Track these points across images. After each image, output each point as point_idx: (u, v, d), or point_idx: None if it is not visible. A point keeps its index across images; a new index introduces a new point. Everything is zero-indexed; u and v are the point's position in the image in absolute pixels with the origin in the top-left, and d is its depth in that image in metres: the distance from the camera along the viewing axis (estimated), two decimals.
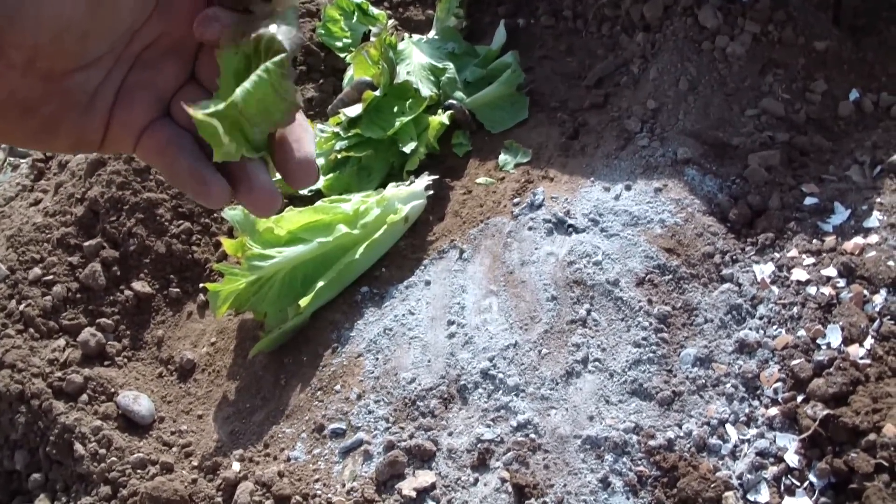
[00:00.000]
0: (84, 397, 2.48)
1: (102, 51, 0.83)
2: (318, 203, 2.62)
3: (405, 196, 2.67)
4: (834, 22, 2.82)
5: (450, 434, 2.16)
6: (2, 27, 0.74)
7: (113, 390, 2.53)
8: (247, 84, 0.85)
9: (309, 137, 0.92)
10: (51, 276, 2.69)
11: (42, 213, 2.86)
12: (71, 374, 2.50)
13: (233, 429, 2.46)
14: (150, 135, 0.88)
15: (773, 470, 1.96)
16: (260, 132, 0.88)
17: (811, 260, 2.25)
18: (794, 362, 2.06)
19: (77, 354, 2.58)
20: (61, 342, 2.60)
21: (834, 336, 2.05)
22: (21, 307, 2.62)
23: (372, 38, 3.03)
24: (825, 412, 1.92)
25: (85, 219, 2.79)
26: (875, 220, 2.26)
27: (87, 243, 2.75)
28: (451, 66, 3.07)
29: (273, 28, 0.85)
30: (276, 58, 0.85)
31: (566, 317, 2.28)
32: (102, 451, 2.36)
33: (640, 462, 2.02)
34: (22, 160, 3.55)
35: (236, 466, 2.30)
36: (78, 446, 2.37)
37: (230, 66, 0.87)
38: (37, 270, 2.69)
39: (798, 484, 1.92)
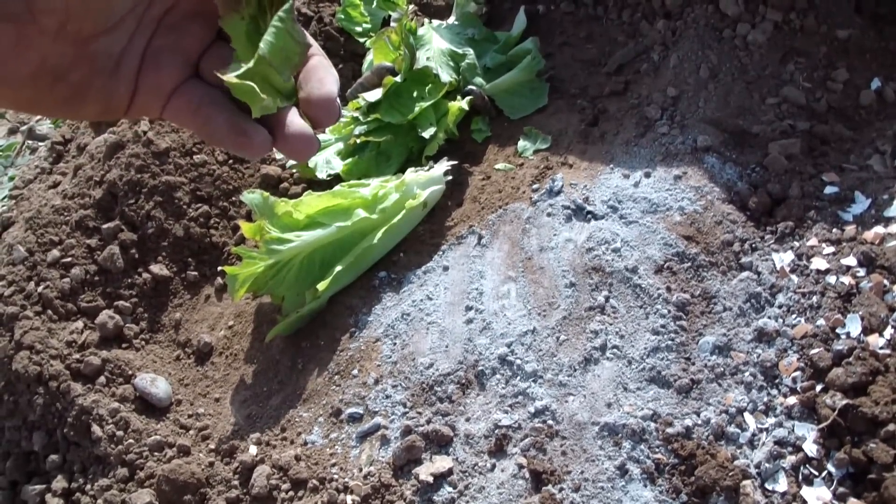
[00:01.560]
0: (102, 379, 2.49)
1: (125, 11, 0.84)
2: (337, 187, 2.62)
3: (424, 181, 2.67)
4: (856, 10, 2.80)
5: (467, 420, 2.16)
6: None
7: (130, 373, 2.54)
8: (268, 37, 0.89)
9: (332, 78, 0.94)
10: (69, 259, 2.70)
11: (60, 196, 2.87)
12: (89, 356, 2.51)
13: (250, 412, 2.46)
14: (181, 96, 0.90)
15: (791, 459, 1.95)
16: (285, 79, 0.92)
17: (831, 249, 2.24)
18: (813, 351, 2.05)
19: (95, 337, 2.59)
20: (79, 324, 2.61)
21: (853, 326, 2.04)
22: (39, 289, 2.63)
23: (392, 24, 3.03)
24: (844, 402, 1.91)
25: (103, 201, 2.80)
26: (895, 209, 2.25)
27: (105, 226, 2.76)
28: (470, 51, 3.07)
29: None
30: (286, 5, 0.90)
31: (584, 303, 2.27)
32: (120, 433, 2.37)
33: (657, 450, 2.02)
34: (40, 143, 3.56)
35: (253, 450, 2.31)
36: (95, 428, 2.38)
37: (239, 30, 0.90)
38: (55, 252, 2.70)
39: (816, 474, 1.91)
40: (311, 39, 0.94)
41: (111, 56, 0.85)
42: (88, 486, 2.36)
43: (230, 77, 0.87)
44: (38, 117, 3.88)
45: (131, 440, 2.35)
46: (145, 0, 0.86)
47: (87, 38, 0.82)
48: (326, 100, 0.93)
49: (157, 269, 2.75)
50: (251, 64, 0.88)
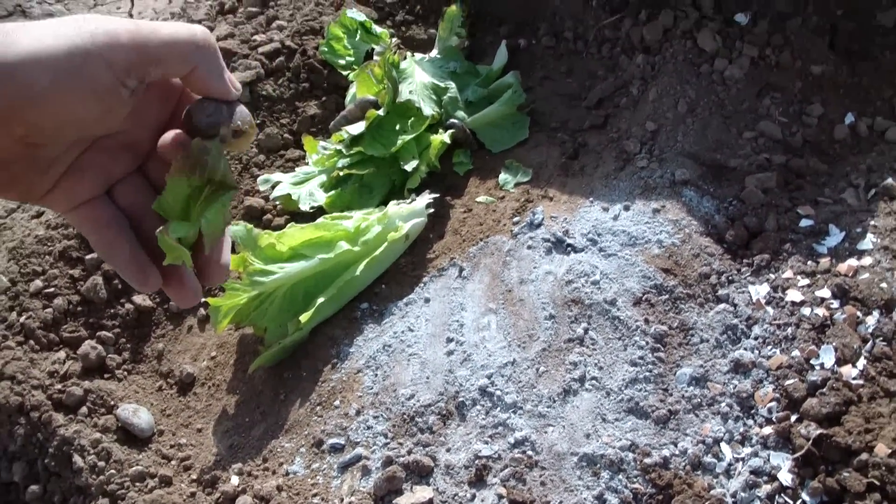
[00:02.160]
0: (84, 410, 2.49)
1: (77, 134, 0.94)
2: (320, 220, 2.64)
3: (406, 214, 2.69)
4: (830, 47, 2.84)
5: (448, 450, 2.17)
6: (24, 108, 0.84)
7: (113, 403, 2.54)
8: (209, 215, 1.03)
9: (228, 246, 1.10)
10: (52, 289, 2.71)
11: (44, 226, 2.88)
12: (71, 386, 2.52)
13: (232, 443, 2.47)
14: (91, 208, 1.01)
15: (766, 488, 1.98)
16: (193, 241, 1.06)
17: (806, 281, 2.27)
18: (788, 382, 2.08)
19: (77, 367, 2.60)
20: (62, 354, 2.61)
21: (827, 357, 2.07)
22: (22, 319, 2.64)
23: (375, 57, 3.05)
24: (818, 432, 1.94)
25: None
26: (869, 242, 2.28)
27: (88, 256, 2.77)
28: (452, 85, 3.10)
29: (223, 167, 1.04)
30: (230, 192, 1.06)
31: (564, 335, 2.30)
32: (101, 463, 2.37)
33: (635, 480, 2.04)
34: None
35: (235, 480, 2.32)
36: (77, 458, 2.38)
37: (181, 191, 1.02)
38: (38, 283, 2.71)
39: (791, 502, 1.93)
40: (229, 218, 1.11)
41: (48, 159, 0.94)
42: None
43: (171, 241, 0.99)
44: None
45: (113, 470, 2.36)
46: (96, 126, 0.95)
47: (38, 145, 0.91)
48: (223, 266, 1.08)
49: (139, 299, 2.76)
50: (188, 233, 1.02)
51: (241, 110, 1.04)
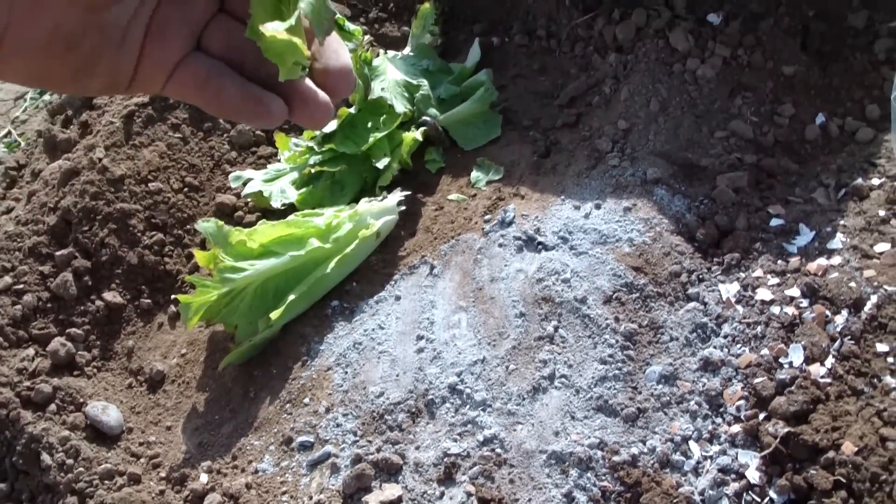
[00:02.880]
0: (52, 407, 2.48)
1: None
2: (291, 217, 2.64)
3: (377, 211, 2.69)
4: (802, 48, 2.86)
5: (417, 448, 2.17)
6: None
7: (82, 400, 2.53)
8: (303, 3, 0.87)
9: (345, 50, 0.94)
10: (21, 286, 2.69)
11: (14, 222, 2.86)
12: (40, 383, 2.50)
13: (201, 440, 2.46)
14: (185, 70, 0.89)
15: (734, 486, 1.98)
16: (321, 42, 0.91)
17: (776, 280, 2.28)
18: (756, 381, 2.09)
19: (46, 364, 2.58)
20: (30, 351, 2.60)
21: (796, 355, 2.08)
22: None
23: None
24: (786, 430, 1.95)
25: (57, 228, 2.80)
26: (838, 241, 2.29)
27: (58, 253, 2.75)
28: (425, 82, 3.09)
29: None
30: None
31: (534, 333, 2.30)
32: (70, 461, 2.36)
33: (604, 477, 2.04)
34: None
35: (204, 478, 2.31)
36: (45, 456, 2.37)
37: (263, 1, 0.87)
38: (7, 279, 2.70)
39: (759, 500, 1.94)
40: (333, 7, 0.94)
41: (119, 26, 0.84)
42: None
43: (275, 29, 0.84)
44: None
45: (81, 468, 2.35)
46: None
47: (98, 6, 0.81)
48: (344, 70, 0.93)
49: (110, 296, 2.75)
50: (293, 21, 0.86)
51: None
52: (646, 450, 2.09)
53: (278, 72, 0.87)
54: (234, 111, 0.90)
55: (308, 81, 0.91)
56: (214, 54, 0.90)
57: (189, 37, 0.89)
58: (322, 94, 0.92)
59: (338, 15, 0.94)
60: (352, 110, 2.90)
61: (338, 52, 0.93)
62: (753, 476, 1.96)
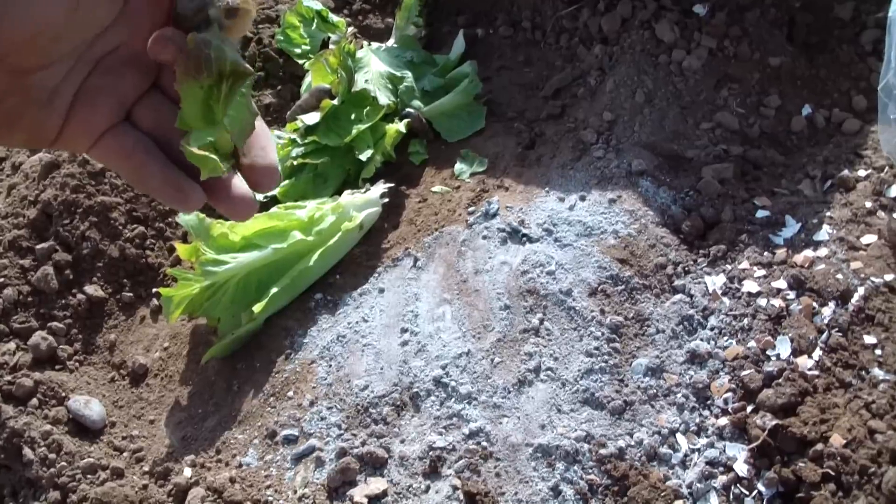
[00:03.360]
0: (34, 401, 2.45)
1: (66, 50, 0.85)
2: (273, 209, 2.62)
3: (360, 203, 2.67)
4: (788, 39, 2.85)
5: (402, 441, 2.16)
6: None
7: (64, 394, 2.51)
8: (231, 111, 0.91)
9: (272, 145, 0.97)
10: (1, 279, 2.67)
11: None
12: (21, 377, 2.47)
13: (185, 434, 2.44)
14: (113, 138, 0.91)
15: (722, 479, 1.98)
16: (240, 148, 0.94)
17: (762, 272, 2.27)
18: (744, 373, 2.08)
19: (27, 358, 2.56)
20: (11, 345, 2.57)
21: (783, 347, 2.08)
22: None
23: (331, 46, 3.03)
24: (774, 422, 1.94)
25: (38, 221, 2.77)
26: (825, 233, 2.29)
27: (39, 246, 2.72)
28: (409, 74, 3.08)
29: (229, 52, 0.90)
30: (248, 81, 0.92)
31: (519, 326, 2.28)
32: (52, 455, 2.34)
33: (590, 471, 2.03)
34: None
35: (188, 472, 2.29)
36: (27, 451, 2.34)
37: (195, 96, 0.90)
38: None
39: (747, 493, 1.94)
40: (256, 109, 0.95)
41: (45, 89, 0.85)
42: None
43: (193, 148, 0.89)
44: None
45: (64, 463, 2.32)
46: (86, 41, 0.86)
47: (24, 70, 0.82)
48: (270, 168, 0.96)
49: (91, 289, 2.72)
50: (213, 137, 0.90)
51: None
52: (633, 443, 2.08)
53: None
54: (152, 190, 0.92)
55: (235, 176, 0.95)
56: (143, 129, 0.93)
57: (118, 107, 0.92)
58: (245, 190, 0.95)
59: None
60: (335, 102, 2.88)
61: (265, 148, 0.96)
62: (741, 469, 1.96)
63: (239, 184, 0.94)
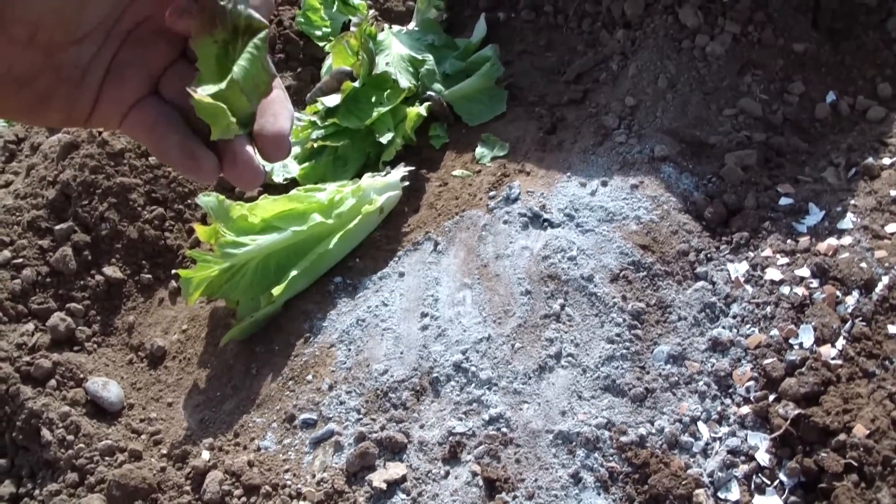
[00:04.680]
0: (52, 382, 2.46)
1: (95, 23, 0.84)
2: (293, 192, 2.61)
3: (380, 186, 2.66)
4: (813, 25, 2.83)
5: (421, 426, 2.15)
6: (5, 3, 0.76)
7: (82, 376, 2.50)
8: (242, 62, 0.89)
9: (287, 113, 0.95)
10: (20, 260, 2.67)
11: (13, 196, 2.83)
12: (39, 358, 2.48)
13: (203, 417, 2.44)
14: (139, 111, 0.90)
15: (743, 468, 1.96)
16: (253, 106, 0.92)
17: (785, 260, 2.26)
18: (766, 361, 2.07)
19: (46, 339, 2.56)
20: (30, 326, 2.57)
21: (806, 336, 2.06)
22: None
23: (352, 28, 3.02)
24: (796, 412, 1.93)
25: (57, 202, 2.76)
26: (849, 221, 2.27)
27: (58, 227, 2.72)
28: (430, 57, 3.06)
29: (242, 7, 0.88)
30: (261, 34, 0.90)
31: (540, 311, 2.27)
32: (70, 437, 2.34)
33: (611, 458, 2.02)
34: None
35: (206, 455, 2.29)
36: (45, 432, 2.35)
37: (209, 52, 0.89)
38: (6, 253, 2.67)
39: (768, 483, 1.92)
40: (275, 70, 0.94)
41: (77, 66, 0.85)
42: (37, 492, 2.33)
43: (201, 94, 0.87)
44: None
45: (82, 444, 2.32)
46: (115, 13, 0.86)
47: (55, 47, 0.82)
48: (278, 136, 0.94)
49: (110, 271, 2.72)
50: (223, 85, 0.88)
51: None
52: (654, 430, 2.07)
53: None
54: (170, 160, 0.91)
55: (245, 142, 0.92)
56: (169, 99, 0.92)
57: (147, 80, 0.92)
58: (253, 157, 0.93)
59: (278, 76, 0.94)
60: (356, 84, 2.87)
61: (276, 115, 0.94)
62: (763, 458, 1.94)
63: (247, 150, 0.93)
